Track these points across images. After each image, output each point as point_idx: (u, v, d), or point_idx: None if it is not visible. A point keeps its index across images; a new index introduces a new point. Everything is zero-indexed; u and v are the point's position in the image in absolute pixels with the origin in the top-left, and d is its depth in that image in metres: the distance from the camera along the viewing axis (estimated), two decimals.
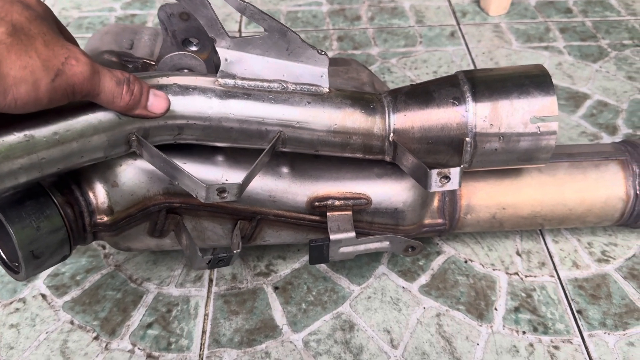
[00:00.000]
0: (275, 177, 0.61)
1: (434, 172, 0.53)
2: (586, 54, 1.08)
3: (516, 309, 0.69)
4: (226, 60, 0.56)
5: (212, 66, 0.61)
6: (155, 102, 0.52)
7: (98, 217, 0.57)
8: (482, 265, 0.74)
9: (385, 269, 0.73)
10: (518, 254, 0.75)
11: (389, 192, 0.63)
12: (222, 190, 0.50)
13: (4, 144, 0.45)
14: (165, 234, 0.63)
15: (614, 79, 1.02)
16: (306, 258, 0.75)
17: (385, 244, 0.64)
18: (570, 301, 0.70)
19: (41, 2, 0.48)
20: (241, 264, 0.74)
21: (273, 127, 0.56)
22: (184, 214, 0.61)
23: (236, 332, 0.67)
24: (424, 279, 0.72)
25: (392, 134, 0.59)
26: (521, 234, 0.77)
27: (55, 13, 1.18)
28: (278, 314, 0.69)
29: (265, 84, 0.57)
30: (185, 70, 0.60)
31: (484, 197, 0.67)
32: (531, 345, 0.65)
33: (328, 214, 0.63)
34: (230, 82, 0.56)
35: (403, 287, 0.71)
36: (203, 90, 0.55)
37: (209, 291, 0.71)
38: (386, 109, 0.59)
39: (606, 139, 0.90)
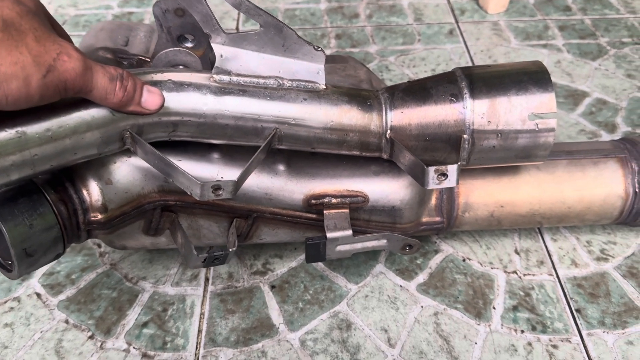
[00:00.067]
0: (272, 174, 0.61)
1: (432, 169, 0.53)
2: (585, 52, 1.07)
3: (514, 308, 0.68)
4: (221, 56, 0.55)
5: (208, 63, 0.60)
6: (149, 99, 0.51)
7: (92, 214, 0.56)
8: (480, 264, 0.73)
9: (382, 268, 0.73)
10: (516, 252, 0.75)
11: (386, 189, 0.63)
12: (217, 187, 0.50)
13: None
14: (161, 232, 0.62)
15: (613, 76, 1.02)
16: (303, 256, 0.74)
17: (383, 242, 0.64)
18: (569, 300, 0.69)
19: None
20: (237, 263, 0.74)
21: (269, 124, 0.56)
22: (179, 212, 0.61)
23: (232, 331, 0.66)
24: (421, 277, 0.72)
25: (389, 131, 0.58)
26: (520, 233, 0.77)
27: (52, 11, 1.19)
28: (275, 312, 0.68)
29: (261, 81, 0.56)
30: (180, 67, 0.59)
31: (482, 195, 0.67)
32: (530, 344, 0.65)
33: (325, 211, 0.62)
34: (226, 78, 0.55)
35: (400, 286, 0.71)
36: (198, 87, 0.54)
37: (205, 290, 0.71)
38: (383, 105, 0.59)
39: (605, 136, 0.90)
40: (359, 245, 0.63)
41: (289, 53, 0.57)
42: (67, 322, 0.67)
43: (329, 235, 0.60)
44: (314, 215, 0.63)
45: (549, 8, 1.19)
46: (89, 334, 0.66)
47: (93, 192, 0.56)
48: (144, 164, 0.55)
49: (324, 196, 0.62)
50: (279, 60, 0.57)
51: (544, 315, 0.68)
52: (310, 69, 0.57)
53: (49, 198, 0.53)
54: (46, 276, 0.72)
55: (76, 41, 0.50)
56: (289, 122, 0.56)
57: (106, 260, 0.74)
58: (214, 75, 0.55)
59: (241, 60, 0.56)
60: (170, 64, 0.59)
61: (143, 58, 0.63)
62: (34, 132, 0.47)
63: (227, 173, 0.59)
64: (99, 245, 0.76)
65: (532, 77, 0.58)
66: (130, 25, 0.68)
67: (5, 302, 0.69)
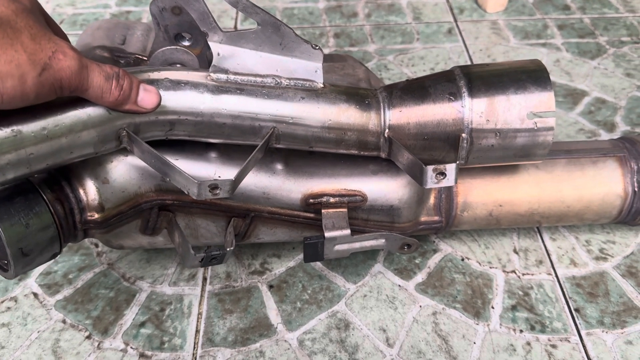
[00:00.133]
0: (269, 173, 0.61)
1: (430, 168, 0.53)
2: (584, 51, 1.07)
3: (513, 308, 0.68)
4: (219, 54, 0.55)
5: (205, 61, 0.60)
6: (146, 97, 0.51)
7: (89, 214, 0.56)
8: (479, 263, 0.73)
9: (381, 267, 0.73)
10: (515, 251, 0.75)
11: (384, 189, 0.63)
12: (214, 186, 0.50)
13: None
14: (158, 232, 0.62)
15: (612, 76, 1.01)
16: (301, 256, 0.74)
17: (381, 241, 0.63)
18: (568, 299, 0.69)
19: None
20: (235, 262, 0.73)
21: (266, 123, 0.56)
22: (176, 212, 0.61)
23: (230, 331, 0.66)
24: (420, 277, 0.72)
25: (387, 130, 0.58)
26: (518, 232, 0.77)
27: (50, 10, 1.18)
28: (273, 312, 0.68)
29: (259, 79, 0.56)
30: (177, 65, 0.59)
31: (481, 194, 0.67)
32: (528, 343, 0.65)
33: (323, 211, 0.62)
34: (223, 76, 0.55)
35: (399, 286, 0.71)
36: (195, 85, 0.54)
37: (202, 290, 0.70)
38: (381, 104, 0.58)
39: (604, 135, 0.90)
40: (357, 245, 0.63)
41: (287, 51, 0.56)
42: (64, 322, 0.67)
43: (327, 234, 0.60)
44: (312, 215, 0.63)
45: (548, 7, 1.19)
46: (86, 333, 0.66)
47: (90, 191, 0.55)
48: (140, 163, 0.55)
49: (322, 195, 0.62)
50: (277, 58, 0.57)
51: (543, 315, 0.67)
52: (308, 68, 0.57)
53: (45, 197, 0.53)
54: (43, 276, 0.72)
55: (73, 40, 0.50)
56: (287, 120, 0.56)
57: (103, 259, 0.74)
58: (211, 74, 0.55)
59: (239, 58, 0.56)
60: (167, 62, 0.59)
61: (140, 57, 0.63)
62: (29, 130, 0.46)
63: (225, 172, 0.58)
64: (96, 245, 0.75)
65: (531, 75, 0.58)
66: (128, 23, 0.68)
67: (2, 302, 0.69)
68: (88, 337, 0.66)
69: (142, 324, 0.67)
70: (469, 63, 1.05)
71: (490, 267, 0.73)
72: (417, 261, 0.74)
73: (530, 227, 0.77)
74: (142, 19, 1.18)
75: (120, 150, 0.54)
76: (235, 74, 0.56)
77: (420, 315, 0.68)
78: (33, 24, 0.43)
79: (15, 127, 0.46)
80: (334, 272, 0.72)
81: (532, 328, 0.66)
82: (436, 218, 0.67)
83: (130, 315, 0.68)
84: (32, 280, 0.71)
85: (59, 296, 0.70)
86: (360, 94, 0.59)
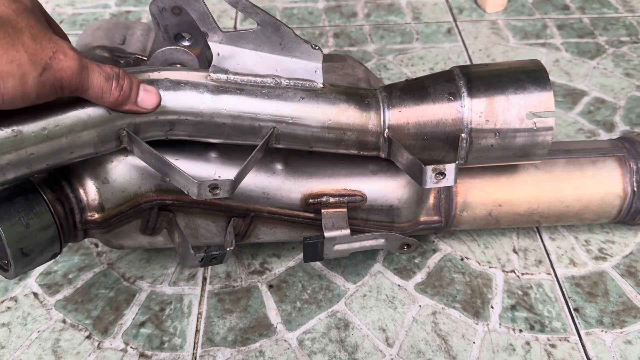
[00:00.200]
0: (269, 173, 0.61)
1: (429, 168, 0.53)
2: (584, 51, 1.07)
3: (513, 307, 0.68)
4: (218, 54, 0.55)
5: (205, 61, 0.60)
6: (146, 98, 0.51)
7: (89, 214, 0.56)
8: (479, 263, 0.73)
9: (380, 267, 0.73)
10: (515, 251, 0.75)
11: (384, 189, 0.63)
12: (214, 186, 0.50)
13: None
14: (158, 232, 0.62)
15: (612, 75, 1.01)
16: (301, 256, 0.74)
17: (381, 241, 0.63)
18: (567, 299, 0.69)
19: None
20: (235, 262, 0.73)
21: (266, 123, 0.56)
22: (176, 212, 0.61)
23: (230, 331, 0.66)
24: (419, 276, 0.72)
25: (387, 130, 0.58)
26: (518, 232, 0.77)
27: (50, 10, 1.18)
28: (272, 312, 0.68)
29: (259, 79, 0.56)
30: (177, 65, 0.59)
31: (480, 194, 0.67)
32: (528, 343, 0.65)
33: (322, 211, 0.62)
34: (223, 77, 0.55)
35: (399, 285, 0.71)
36: (195, 85, 0.54)
37: (202, 289, 0.70)
38: (381, 104, 0.58)
39: (603, 135, 0.90)
40: (356, 245, 0.63)
41: (287, 52, 0.56)
42: (64, 321, 0.67)
43: (327, 234, 0.60)
44: (311, 215, 0.63)
45: (548, 7, 1.19)
46: (87, 333, 0.66)
47: (90, 191, 0.56)
48: (141, 163, 0.55)
49: (321, 195, 0.62)
50: (277, 58, 0.57)
51: (542, 315, 0.68)
52: (308, 68, 0.57)
53: (45, 197, 0.53)
54: (43, 276, 0.72)
55: (73, 40, 0.50)
56: (287, 120, 0.56)
57: (103, 259, 0.74)
58: (211, 74, 0.55)
59: (238, 58, 0.56)
60: (167, 62, 0.59)
61: (140, 57, 0.63)
62: (30, 130, 0.46)
63: (225, 172, 0.58)
64: (96, 245, 0.75)
65: (530, 75, 0.58)
66: (127, 23, 0.68)
67: (2, 301, 0.69)
68: (88, 337, 0.66)
69: (142, 324, 0.67)
70: (468, 63, 1.05)
71: (490, 267, 0.73)
72: (416, 261, 0.74)
73: (529, 226, 0.77)
74: (142, 19, 1.18)
75: (120, 150, 0.54)
76: (235, 74, 0.56)
77: (420, 315, 0.68)
78: (34, 24, 0.43)
79: (15, 127, 0.46)
80: (334, 272, 0.72)
81: (532, 328, 0.66)
82: (435, 218, 0.68)
83: (130, 315, 0.68)
84: (32, 280, 0.71)
85: (59, 296, 0.70)
86: (360, 94, 0.59)
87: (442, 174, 0.53)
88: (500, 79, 0.57)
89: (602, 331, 0.66)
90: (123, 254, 0.74)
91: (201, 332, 0.66)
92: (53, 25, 0.49)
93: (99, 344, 0.65)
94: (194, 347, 0.65)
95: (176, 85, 0.53)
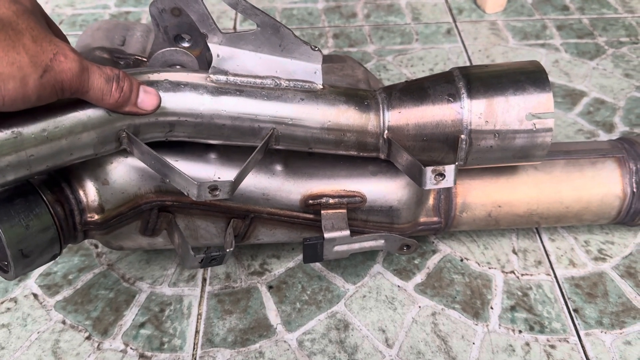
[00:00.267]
0: (269, 174, 0.61)
1: (429, 169, 0.53)
2: (583, 52, 1.07)
3: (512, 308, 0.68)
4: (218, 56, 0.55)
5: (205, 63, 0.60)
6: (146, 99, 0.51)
7: (89, 215, 0.56)
8: (478, 264, 0.73)
9: (380, 268, 0.73)
10: (514, 252, 0.75)
11: (383, 190, 0.63)
12: (214, 187, 0.50)
13: None
14: (158, 233, 0.62)
15: (611, 76, 1.01)
16: (300, 257, 0.74)
17: (380, 242, 0.63)
18: (567, 300, 0.69)
19: None
20: (235, 263, 0.73)
21: (266, 124, 0.56)
22: (176, 213, 0.61)
23: (230, 332, 0.66)
24: (419, 277, 0.72)
25: (386, 131, 0.58)
26: (517, 232, 0.77)
27: (49, 10, 1.18)
28: (272, 313, 0.68)
29: (258, 81, 0.56)
30: (177, 67, 0.59)
31: (480, 195, 0.67)
32: (527, 344, 0.65)
33: (322, 212, 0.62)
34: (223, 78, 0.55)
35: (398, 286, 0.71)
36: (195, 87, 0.54)
37: (202, 290, 0.70)
38: (380, 105, 0.58)
39: (603, 136, 0.90)
40: (356, 246, 0.63)
41: (286, 53, 0.56)
42: (64, 322, 0.67)
43: (327, 235, 0.60)
44: (311, 216, 0.63)
45: (547, 7, 1.19)
46: (86, 334, 0.66)
47: (89, 192, 0.56)
48: (140, 164, 0.55)
49: (321, 196, 0.62)
50: (276, 60, 0.57)
51: (542, 315, 0.68)
52: (308, 69, 0.57)
53: (45, 199, 0.53)
54: (43, 277, 0.72)
55: (73, 41, 0.50)
56: (286, 122, 0.56)
57: (103, 260, 0.74)
58: (211, 75, 0.55)
59: (238, 60, 0.56)
60: (167, 63, 0.59)
61: (140, 58, 0.63)
62: (29, 132, 0.46)
63: (224, 173, 0.58)
64: (96, 246, 0.75)
65: (530, 76, 0.58)
66: (127, 24, 0.68)
67: (2, 302, 0.69)
68: (88, 338, 0.66)
69: (142, 325, 0.67)
70: (467, 64, 1.05)
71: (489, 268, 0.73)
72: (416, 262, 0.74)
73: (529, 227, 0.77)
74: (142, 20, 1.18)
75: (120, 151, 0.54)
76: (235, 75, 0.56)
77: (420, 316, 0.68)
78: (34, 26, 0.43)
79: (15, 129, 0.46)
80: (334, 273, 0.72)
81: (531, 328, 0.66)
82: (435, 219, 0.68)
83: (130, 316, 0.68)
84: (32, 281, 0.71)
85: (59, 297, 0.70)
86: (360, 95, 0.59)
87: (442, 175, 0.53)
88: (500, 80, 0.57)
89: (601, 332, 0.66)
90: (123, 255, 0.74)
91: (201, 333, 0.66)
92: (52, 27, 0.49)
93: (98, 345, 0.65)
94: (194, 348, 0.65)
95: (176, 86, 0.53)
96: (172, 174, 0.51)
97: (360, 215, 0.64)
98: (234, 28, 1.15)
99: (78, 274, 0.72)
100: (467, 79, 0.58)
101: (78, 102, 0.49)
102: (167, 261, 0.74)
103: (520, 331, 0.66)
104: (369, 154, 0.60)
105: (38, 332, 0.66)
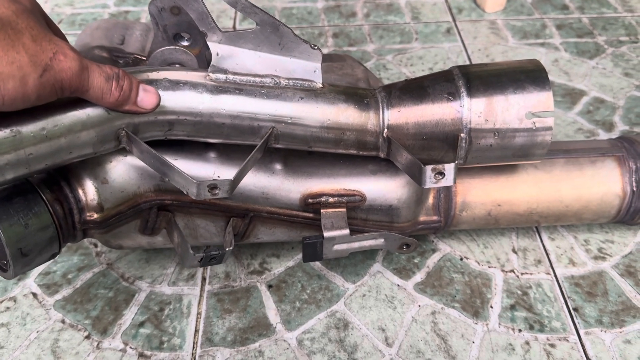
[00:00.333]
0: (268, 173, 0.61)
1: (429, 168, 0.53)
2: (583, 51, 1.07)
3: (512, 307, 0.68)
4: (217, 54, 0.55)
5: (204, 61, 0.60)
6: (145, 98, 0.51)
7: (88, 214, 0.56)
8: (478, 263, 0.73)
9: (380, 267, 0.73)
10: (514, 251, 0.75)
11: (383, 188, 0.63)
12: (213, 186, 0.50)
13: None
14: (157, 232, 0.62)
15: (611, 75, 1.01)
16: (300, 256, 0.74)
17: (380, 241, 0.63)
18: (567, 299, 0.69)
19: None
20: (234, 262, 0.73)
21: (265, 123, 0.56)
22: (175, 212, 0.61)
23: (229, 331, 0.66)
24: (419, 276, 0.72)
25: (386, 130, 0.58)
26: (517, 231, 0.77)
27: (48, 10, 1.18)
28: (272, 312, 0.68)
29: (258, 79, 0.56)
30: (176, 65, 0.59)
31: (480, 193, 0.67)
32: (527, 343, 0.65)
33: (322, 211, 0.62)
34: (222, 77, 0.55)
35: (398, 285, 0.71)
36: (194, 85, 0.54)
37: (202, 289, 0.70)
38: (380, 104, 0.58)
39: (603, 135, 0.90)
40: (356, 245, 0.63)
41: (286, 51, 0.56)
42: (63, 321, 0.67)
43: (326, 234, 0.60)
44: (311, 215, 0.63)
45: (547, 7, 1.19)
46: (86, 333, 0.66)
47: (89, 191, 0.55)
48: (140, 163, 0.55)
49: (321, 195, 0.62)
50: (276, 58, 0.57)
51: (542, 314, 0.68)
52: (307, 68, 0.57)
53: (44, 197, 0.53)
54: (42, 276, 0.72)
55: (72, 40, 0.50)
56: (286, 120, 0.56)
57: (102, 259, 0.74)
58: (210, 74, 0.55)
59: (237, 58, 0.56)
60: (166, 62, 0.59)
61: (139, 57, 0.63)
62: (28, 131, 0.46)
63: (224, 172, 0.58)
64: (95, 245, 0.75)
65: (530, 75, 0.58)
66: (126, 23, 0.68)
67: (1, 302, 0.69)
68: (87, 337, 0.66)
69: (141, 324, 0.67)
70: (467, 63, 1.05)
71: (489, 267, 0.73)
72: (416, 261, 0.74)
73: (529, 226, 0.77)
74: (141, 19, 1.17)
75: (119, 150, 0.54)
76: (234, 74, 0.56)
77: (419, 315, 0.68)
78: (34, 25, 0.43)
79: (14, 128, 0.46)
80: (333, 272, 0.72)
81: (531, 327, 0.66)
82: (435, 218, 0.68)
83: (130, 315, 0.68)
84: (31, 280, 0.71)
85: (58, 296, 0.70)
86: (359, 94, 0.59)
87: (442, 173, 0.53)
88: (500, 79, 0.57)
89: (601, 331, 0.66)
90: (122, 254, 0.74)
91: (200, 332, 0.66)
92: (52, 26, 0.49)
93: (98, 344, 0.65)
94: (193, 347, 0.65)
95: (175, 85, 0.53)
96: (171, 172, 0.51)
97: (359, 214, 0.64)
98: (234, 27, 1.15)
99: (77, 273, 0.72)
100: (467, 77, 0.58)
101: (77, 101, 0.49)
102: (167, 260, 0.74)
103: (520, 330, 0.66)
104: (369, 153, 0.60)
105: (37, 331, 0.66)
